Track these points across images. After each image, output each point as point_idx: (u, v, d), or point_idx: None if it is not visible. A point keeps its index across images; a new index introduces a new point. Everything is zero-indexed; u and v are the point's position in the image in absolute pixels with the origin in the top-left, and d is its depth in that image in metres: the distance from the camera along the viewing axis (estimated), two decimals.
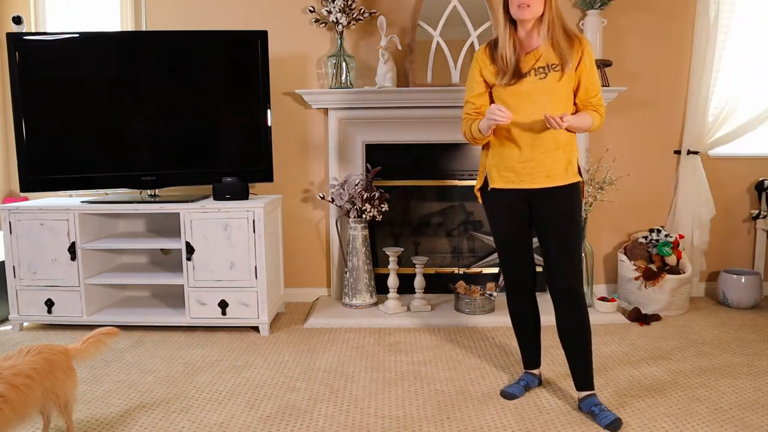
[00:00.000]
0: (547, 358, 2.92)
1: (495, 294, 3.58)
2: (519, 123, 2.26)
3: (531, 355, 2.58)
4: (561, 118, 2.12)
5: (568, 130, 2.27)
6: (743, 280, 3.67)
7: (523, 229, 2.41)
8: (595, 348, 3.05)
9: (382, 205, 3.61)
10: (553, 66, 2.24)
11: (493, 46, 2.36)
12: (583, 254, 2.32)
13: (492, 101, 2.36)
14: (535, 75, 2.25)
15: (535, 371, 2.60)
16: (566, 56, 2.24)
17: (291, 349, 3.11)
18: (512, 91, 2.27)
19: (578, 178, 2.32)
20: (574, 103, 2.32)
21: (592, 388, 2.35)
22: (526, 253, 2.44)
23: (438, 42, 3.72)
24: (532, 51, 2.27)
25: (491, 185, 2.38)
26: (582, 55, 2.27)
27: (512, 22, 2.28)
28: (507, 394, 2.50)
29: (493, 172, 2.37)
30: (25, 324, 3.45)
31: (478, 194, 2.48)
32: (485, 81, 2.36)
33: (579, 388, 2.36)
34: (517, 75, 2.26)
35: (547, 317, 3.47)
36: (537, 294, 2.53)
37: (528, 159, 2.28)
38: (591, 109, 2.31)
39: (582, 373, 2.34)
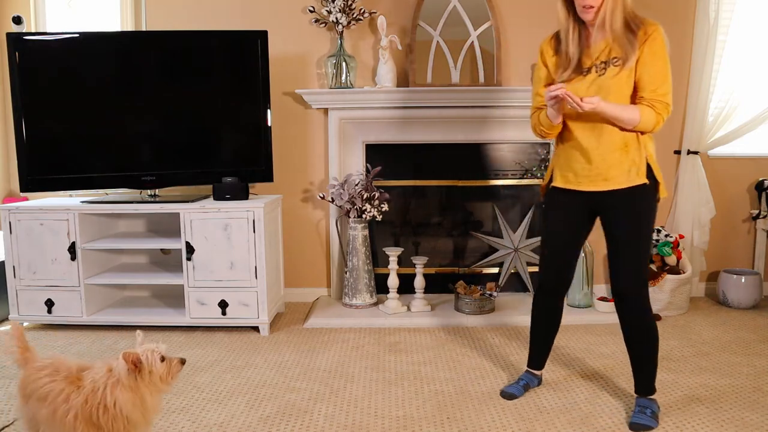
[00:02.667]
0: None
1: (495, 294, 3.58)
2: (580, 123, 2.20)
3: (539, 356, 2.57)
4: (582, 99, 2.04)
5: (619, 128, 2.13)
6: (743, 280, 3.67)
7: (572, 233, 2.35)
8: (595, 348, 3.05)
9: (382, 205, 3.61)
10: (614, 60, 2.12)
11: (557, 37, 2.28)
12: (646, 258, 2.22)
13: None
14: (596, 71, 2.15)
15: (537, 372, 2.59)
16: (627, 49, 2.09)
17: (291, 349, 3.11)
18: (570, 88, 2.18)
19: (643, 180, 2.16)
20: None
21: (640, 392, 2.30)
22: (567, 256, 2.38)
23: (438, 42, 3.72)
24: (595, 46, 2.17)
25: (552, 183, 2.36)
26: (645, 44, 2.09)
27: (575, 16, 2.17)
28: (506, 394, 2.50)
29: (557, 171, 2.34)
30: (25, 324, 3.45)
31: (542, 191, 2.45)
32: (549, 74, 2.31)
33: (634, 390, 2.33)
34: (577, 71, 2.18)
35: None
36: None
37: (588, 160, 2.22)
38: (645, 104, 2.12)
39: (636, 376, 2.31)
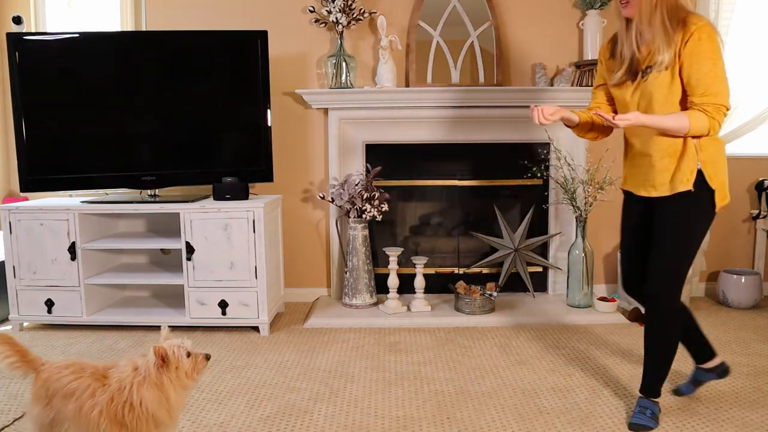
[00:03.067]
0: (548, 357, 2.92)
1: (495, 294, 3.58)
2: (632, 130, 2.20)
3: (689, 350, 2.43)
4: (614, 116, 2.02)
5: (670, 136, 2.09)
6: (743, 280, 3.67)
7: (636, 232, 2.32)
8: (595, 348, 3.05)
9: (382, 205, 3.61)
10: (658, 64, 2.05)
11: (614, 39, 2.26)
12: (680, 265, 2.15)
13: (611, 100, 2.32)
14: (641, 76, 2.11)
15: (704, 365, 2.42)
16: (671, 49, 2.01)
17: (291, 349, 3.11)
18: (618, 94, 2.19)
19: (687, 187, 2.09)
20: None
21: (644, 392, 2.29)
22: (635, 254, 2.35)
23: (438, 42, 3.72)
24: (644, 47, 2.11)
25: (621, 185, 2.39)
26: (686, 42, 1.99)
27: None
28: (677, 390, 2.47)
29: (625, 171, 2.35)
30: (25, 324, 3.45)
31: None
32: (604, 76, 2.32)
33: (639, 389, 2.32)
34: (628, 75, 2.15)
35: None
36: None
37: (639, 167, 2.22)
38: (696, 108, 2.02)
39: (645, 375, 2.29)
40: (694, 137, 2.08)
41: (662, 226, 2.17)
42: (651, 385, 2.29)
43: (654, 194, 2.18)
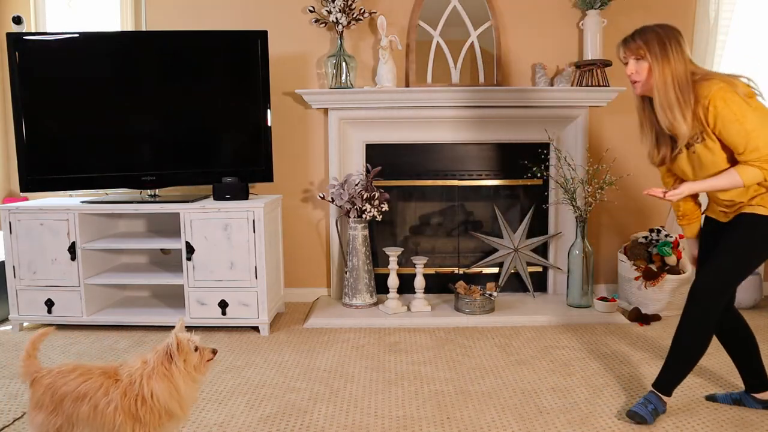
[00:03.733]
0: (547, 357, 2.92)
1: (495, 294, 3.58)
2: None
3: (744, 377, 2.37)
4: (665, 192, 2.09)
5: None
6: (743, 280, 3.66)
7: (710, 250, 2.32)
8: (595, 348, 3.05)
9: (382, 205, 3.61)
10: (696, 138, 2.10)
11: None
12: (728, 273, 2.16)
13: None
14: (687, 149, 2.15)
15: (758, 395, 2.34)
16: (700, 123, 2.06)
17: (291, 349, 3.11)
18: (674, 169, 2.25)
19: (757, 210, 2.10)
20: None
21: (657, 386, 2.28)
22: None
23: (438, 42, 3.72)
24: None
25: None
26: (707, 114, 2.03)
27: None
28: (712, 398, 2.44)
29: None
30: (25, 324, 3.45)
31: None
32: None
33: (653, 382, 2.31)
34: (672, 148, 2.18)
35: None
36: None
37: (712, 201, 2.27)
38: (743, 164, 2.05)
39: (663, 369, 2.28)
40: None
41: (728, 233, 2.18)
42: (663, 382, 2.28)
43: (726, 219, 2.23)
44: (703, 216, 2.41)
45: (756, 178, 2.04)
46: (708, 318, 2.17)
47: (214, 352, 1.96)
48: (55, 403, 1.81)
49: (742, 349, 2.34)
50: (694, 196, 2.39)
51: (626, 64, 2.18)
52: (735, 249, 2.14)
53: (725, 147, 2.08)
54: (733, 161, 2.09)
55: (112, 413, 1.78)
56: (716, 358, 2.84)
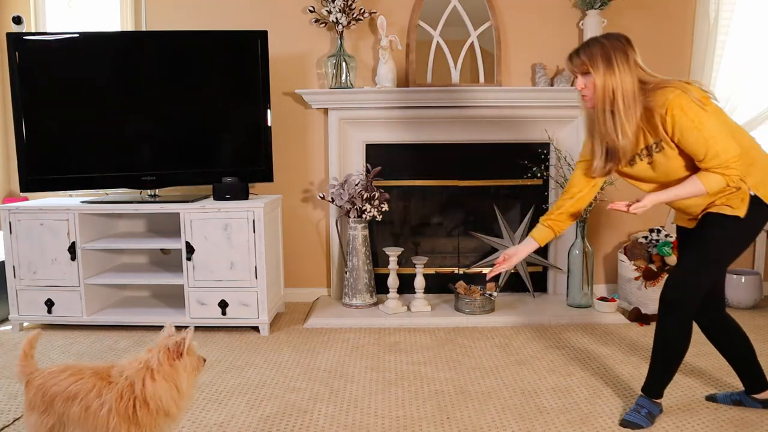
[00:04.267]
0: (547, 357, 2.92)
1: (495, 294, 3.58)
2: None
3: (741, 377, 2.37)
4: (628, 205, 2.05)
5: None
6: (743, 280, 3.67)
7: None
8: (595, 348, 3.05)
9: (382, 205, 3.61)
10: (654, 147, 2.08)
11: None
12: (698, 274, 2.13)
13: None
14: (641, 159, 2.13)
15: (758, 396, 2.34)
16: (657, 130, 2.04)
17: (291, 349, 3.11)
18: (632, 175, 2.22)
19: (737, 213, 2.06)
20: None
21: (645, 391, 2.29)
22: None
23: (438, 42, 3.72)
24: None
25: (674, 221, 2.42)
26: (665, 122, 2.00)
27: None
28: (712, 398, 2.45)
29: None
30: (25, 324, 3.45)
31: None
32: None
33: (642, 387, 2.32)
34: (624, 160, 2.14)
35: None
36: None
37: (679, 207, 2.23)
38: (708, 172, 2.01)
39: (648, 374, 2.29)
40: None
41: (697, 234, 2.17)
42: (651, 385, 2.29)
43: (687, 225, 2.25)
44: (675, 225, 2.40)
45: (719, 184, 2.01)
46: (684, 325, 2.17)
47: (204, 360, 1.95)
48: (46, 404, 1.81)
49: (738, 354, 2.32)
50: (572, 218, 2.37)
51: (575, 78, 2.16)
52: (701, 252, 2.13)
53: (685, 155, 2.05)
54: (693, 167, 2.06)
55: (105, 415, 1.76)
56: (715, 358, 2.84)
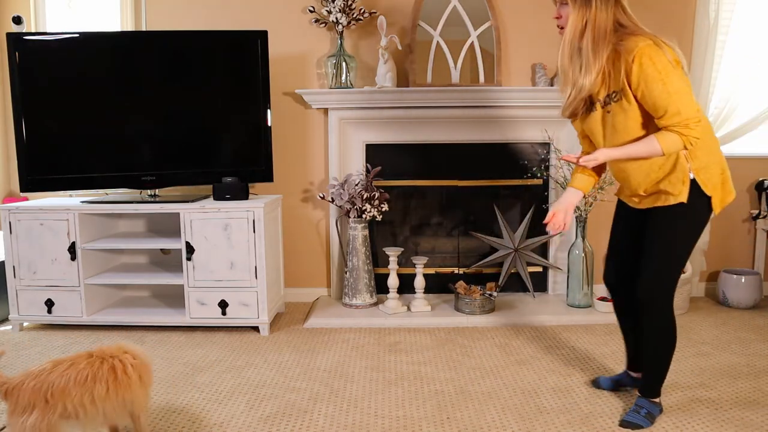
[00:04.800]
0: (547, 357, 2.92)
1: (495, 294, 3.58)
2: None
3: (631, 359, 2.50)
4: (578, 158, 2.05)
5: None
6: (743, 280, 3.67)
7: (624, 238, 2.35)
8: (595, 348, 3.05)
9: (382, 205, 3.61)
10: (614, 95, 2.03)
11: None
12: (668, 269, 2.15)
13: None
14: (601, 107, 2.09)
15: (634, 374, 2.49)
16: (620, 77, 1.98)
17: (291, 349, 3.11)
18: (583, 125, 2.20)
19: (680, 200, 2.06)
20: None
21: (642, 393, 2.31)
22: (621, 260, 2.37)
23: (438, 42, 3.72)
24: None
25: (616, 193, 2.39)
26: (630, 66, 1.93)
27: None
28: (595, 382, 2.53)
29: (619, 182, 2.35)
30: (25, 324, 3.45)
31: None
32: None
33: (638, 389, 2.34)
34: (586, 105, 2.12)
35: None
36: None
37: (625, 181, 2.21)
38: (664, 130, 1.98)
39: (643, 376, 2.32)
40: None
41: (649, 233, 2.17)
42: (648, 387, 2.29)
43: (636, 206, 2.22)
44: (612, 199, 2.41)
45: (676, 145, 1.96)
46: (668, 323, 2.20)
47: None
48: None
49: (633, 330, 2.44)
50: (599, 168, 2.32)
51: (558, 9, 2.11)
52: (666, 250, 2.13)
53: (642, 113, 2.01)
54: (647, 129, 2.03)
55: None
56: (715, 358, 2.83)
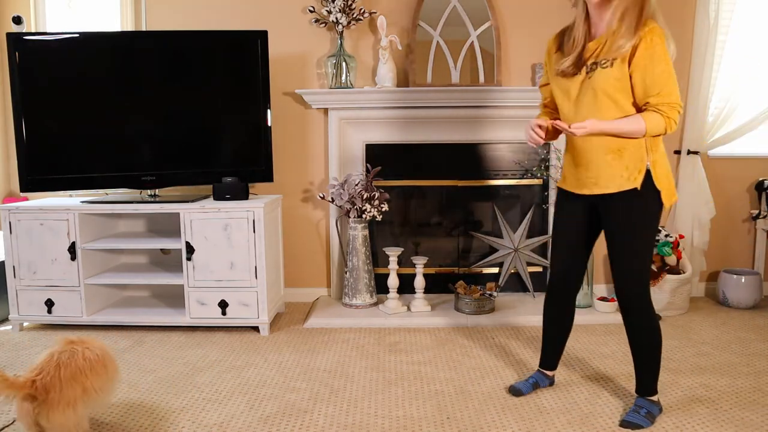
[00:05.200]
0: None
1: (495, 294, 3.58)
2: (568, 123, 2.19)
3: (550, 357, 2.56)
4: (570, 125, 2.05)
5: (617, 135, 2.10)
6: (743, 280, 3.67)
7: (575, 233, 2.36)
8: (595, 348, 3.05)
9: (382, 205, 3.61)
10: (603, 62, 2.07)
11: (563, 32, 2.29)
12: (644, 262, 2.20)
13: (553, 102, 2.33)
14: (585, 71, 2.12)
15: (549, 372, 2.58)
16: (621, 49, 2.03)
17: (291, 349, 3.11)
18: (558, 87, 2.21)
19: (633, 185, 2.13)
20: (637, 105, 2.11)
21: (639, 391, 2.32)
22: (571, 256, 2.39)
23: (438, 42, 3.72)
24: (594, 39, 2.14)
25: (559, 183, 2.40)
26: (639, 43, 2.00)
27: (585, 6, 2.14)
28: (513, 390, 2.50)
29: (565, 171, 2.36)
30: (25, 324, 3.45)
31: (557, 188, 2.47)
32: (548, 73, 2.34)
33: (635, 389, 2.35)
34: (577, 67, 2.14)
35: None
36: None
37: (579, 164, 2.23)
38: (650, 109, 2.05)
39: (636, 375, 2.33)
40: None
41: (615, 225, 2.21)
42: (644, 384, 2.31)
43: (594, 192, 2.21)
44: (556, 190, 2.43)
45: (658, 128, 2.05)
46: (651, 318, 2.24)
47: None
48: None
49: (564, 334, 2.52)
50: (553, 133, 2.31)
51: None
52: (636, 247, 2.17)
53: (620, 86, 2.06)
54: (615, 104, 2.08)
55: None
56: (715, 358, 2.83)
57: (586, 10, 2.15)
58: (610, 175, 2.16)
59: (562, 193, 2.39)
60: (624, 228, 2.18)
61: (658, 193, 2.14)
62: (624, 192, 2.15)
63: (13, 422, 2.31)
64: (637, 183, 2.13)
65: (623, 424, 2.23)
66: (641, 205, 2.15)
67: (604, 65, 2.07)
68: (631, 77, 2.06)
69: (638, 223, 2.16)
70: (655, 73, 2.02)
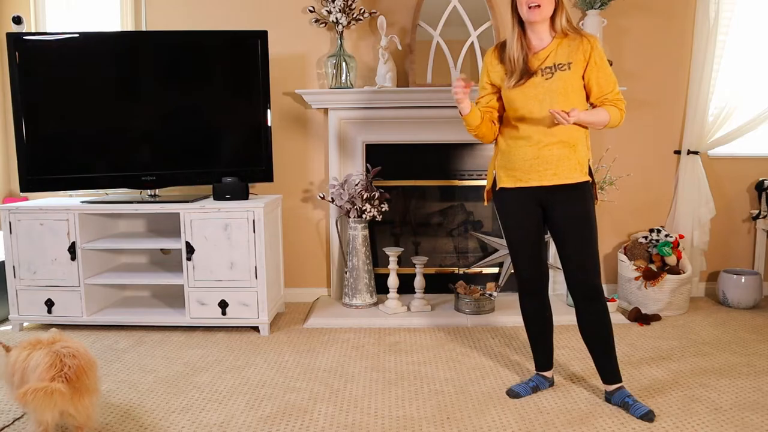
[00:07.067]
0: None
1: (495, 294, 3.58)
2: (527, 122, 2.30)
3: (542, 357, 2.57)
4: (568, 113, 2.13)
5: (581, 125, 2.29)
6: (743, 280, 3.67)
7: (533, 229, 2.41)
8: None
9: (382, 205, 3.61)
10: (560, 66, 2.27)
11: (501, 47, 2.40)
12: (596, 250, 2.34)
13: (502, 104, 2.41)
14: (542, 75, 2.27)
15: (547, 374, 2.59)
16: (574, 55, 2.27)
17: (291, 349, 3.11)
18: (519, 92, 2.30)
19: (587, 178, 2.33)
20: (590, 103, 2.35)
21: (620, 380, 2.38)
22: (536, 253, 2.44)
23: (438, 42, 3.72)
24: (539, 51, 2.30)
25: (499, 185, 2.41)
26: (591, 52, 2.27)
27: (521, 23, 2.31)
28: (512, 393, 2.50)
29: (501, 172, 2.40)
30: (25, 324, 3.45)
31: (487, 195, 2.51)
32: (491, 84, 2.41)
33: (606, 381, 2.39)
34: (525, 75, 2.28)
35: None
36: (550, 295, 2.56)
37: (535, 156, 2.30)
38: (609, 104, 2.31)
39: (608, 367, 2.38)
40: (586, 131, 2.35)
41: (570, 216, 2.31)
42: (616, 370, 2.38)
43: (553, 182, 2.30)
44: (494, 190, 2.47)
45: (616, 118, 2.30)
46: (605, 302, 2.36)
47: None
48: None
49: (547, 329, 2.54)
50: (492, 123, 2.42)
51: None
52: (591, 234, 2.30)
53: (575, 85, 2.27)
54: (576, 97, 2.28)
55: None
56: (715, 357, 2.83)
57: (519, 30, 2.31)
58: (568, 168, 2.30)
59: (504, 193, 2.41)
60: (581, 218, 2.31)
61: (594, 186, 2.37)
62: (579, 183, 2.31)
63: (13, 422, 2.31)
64: (587, 176, 2.33)
65: (645, 417, 2.26)
66: (591, 197, 2.34)
67: (563, 69, 2.26)
68: (584, 78, 2.30)
69: (591, 213, 2.32)
70: (607, 73, 2.30)
